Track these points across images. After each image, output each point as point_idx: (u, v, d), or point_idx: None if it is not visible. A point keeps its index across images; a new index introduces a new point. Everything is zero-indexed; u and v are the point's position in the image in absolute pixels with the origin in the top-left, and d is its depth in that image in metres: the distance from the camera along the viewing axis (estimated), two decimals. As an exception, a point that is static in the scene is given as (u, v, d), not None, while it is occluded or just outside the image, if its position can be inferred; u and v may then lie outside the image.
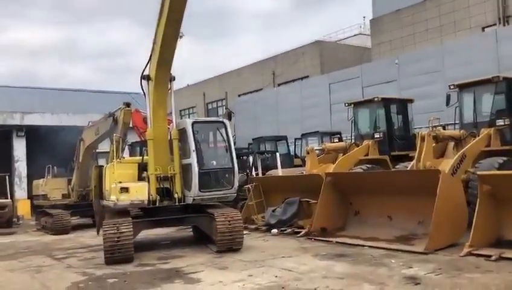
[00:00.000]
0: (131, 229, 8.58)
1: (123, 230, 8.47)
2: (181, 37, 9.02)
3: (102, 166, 10.98)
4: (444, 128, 12.51)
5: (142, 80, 9.66)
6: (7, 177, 20.32)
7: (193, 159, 9.34)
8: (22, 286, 7.22)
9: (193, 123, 9.68)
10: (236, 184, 9.81)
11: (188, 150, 9.48)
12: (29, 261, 9.54)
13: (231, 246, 8.98)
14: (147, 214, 9.82)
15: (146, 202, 9.30)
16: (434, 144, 10.67)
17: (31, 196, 21.19)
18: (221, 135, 9.94)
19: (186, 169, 9.58)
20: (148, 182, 9.46)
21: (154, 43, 9.28)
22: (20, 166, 23.85)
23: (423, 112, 15.87)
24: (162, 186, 9.55)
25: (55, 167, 18.04)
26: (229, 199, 10.06)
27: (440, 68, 20.71)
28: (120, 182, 9.28)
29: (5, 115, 23.77)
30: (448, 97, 11.86)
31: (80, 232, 14.55)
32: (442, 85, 17.98)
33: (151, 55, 9.45)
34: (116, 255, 8.41)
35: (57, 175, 17.72)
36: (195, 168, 9.26)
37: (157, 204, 9.39)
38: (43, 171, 18.29)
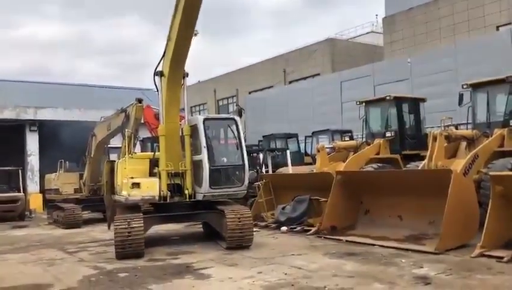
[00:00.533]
0: (142, 224, 8.65)
1: (134, 225, 8.54)
2: (196, 34, 8.97)
3: (114, 161, 11.07)
4: (456, 128, 12.42)
5: (155, 76, 9.69)
6: (20, 171, 20.58)
7: (204, 156, 9.38)
8: (35, 278, 7.31)
9: (204, 120, 9.71)
10: (246, 181, 9.84)
11: (199, 147, 9.53)
12: (42, 255, 9.66)
13: (241, 243, 9.01)
14: (158, 210, 9.89)
15: (157, 197, 9.36)
16: (446, 144, 10.60)
17: (43, 190, 21.43)
18: (232, 132, 9.97)
19: (197, 165, 9.62)
20: (159, 177, 9.52)
21: (168, 39, 9.23)
22: (33, 160, 24.10)
23: (435, 111, 15.75)
24: (173, 182, 9.60)
25: (67, 162, 18.23)
26: (239, 196, 10.10)
27: (453, 67, 20.53)
28: (132, 178, 9.36)
29: (18, 109, 24.02)
30: (461, 96, 11.76)
31: (91, 227, 14.68)
32: (455, 84, 17.78)
33: (165, 51, 9.42)
34: (127, 249, 8.48)
35: (69, 170, 17.92)
36: (206, 165, 9.31)
37: (168, 200, 9.45)
38: (55, 166, 18.49)
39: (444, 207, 7.79)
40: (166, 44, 9.33)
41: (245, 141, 27.12)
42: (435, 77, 20.85)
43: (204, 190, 9.32)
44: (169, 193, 9.45)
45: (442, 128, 11.33)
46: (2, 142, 23.69)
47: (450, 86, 18.93)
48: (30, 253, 9.98)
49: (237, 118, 10.46)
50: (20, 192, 19.63)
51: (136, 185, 9.28)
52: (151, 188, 9.34)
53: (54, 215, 16.41)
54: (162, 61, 9.56)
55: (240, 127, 10.11)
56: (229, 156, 10.24)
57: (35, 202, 22.22)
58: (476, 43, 20.89)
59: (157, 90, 9.91)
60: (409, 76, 22.42)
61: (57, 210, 16.13)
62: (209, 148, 9.48)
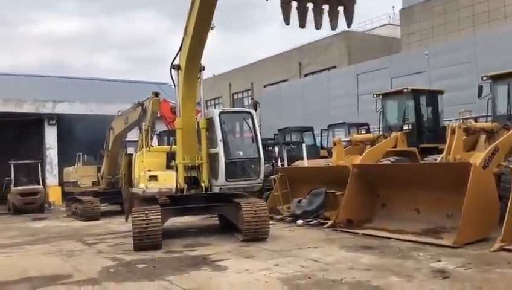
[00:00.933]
0: (160, 216, 8.74)
1: (152, 217, 8.62)
2: (212, 28, 8.94)
3: (132, 154, 11.19)
4: (476, 121, 12.22)
5: (172, 70, 9.74)
6: (39, 164, 20.94)
7: (220, 149, 9.43)
8: (55, 269, 7.45)
9: (220, 113, 9.75)
10: (262, 174, 9.86)
11: (215, 140, 9.57)
12: (61, 246, 9.83)
13: (257, 235, 9.04)
14: (175, 202, 9.97)
15: (174, 190, 9.44)
16: (465, 137, 10.44)
17: (61, 183, 21.77)
18: (248, 125, 9.99)
19: (213, 158, 9.67)
20: (176, 170, 9.59)
21: (184, 33, 9.24)
22: (52, 153, 24.48)
23: (454, 103, 15.52)
24: (189, 175, 9.67)
25: (85, 155, 18.47)
26: (255, 189, 10.13)
27: (472, 59, 20.16)
28: (149, 170, 9.45)
29: (37, 103, 24.40)
30: (480, 89, 11.57)
31: (108, 219, 14.88)
32: (474, 76, 17.50)
33: (181, 45, 9.45)
34: (144, 241, 8.58)
35: (87, 163, 18.16)
36: (221, 158, 9.36)
37: (184, 192, 9.53)
38: (73, 159, 18.76)
39: (462, 201, 7.69)
40: (183, 38, 9.34)
41: (260, 134, 27.03)
42: (454, 69, 20.52)
43: (220, 182, 9.37)
44: (186, 185, 9.52)
45: (461, 121, 11.16)
46: (22, 136, 24.14)
47: (469, 78, 18.62)
48: (50, 244, 10.17)
49: (253, 111, 10.49)
50: (39, 185, 20.02)
51: (154, 177, 9.37)
52: (168, 181, 9.42)
53: (73, 208, 16.67)
54: (178, 55, 9.59)
55: (256, 120, 10.13)
56: (245, 149, 10.28)
57: (54, 194, 22.61)
58: (496, 34, 20.46)
59: (174, 84, 9.97)
60: (427, 68, 22.10)
61: (76, 203, 16.39)
62: (225, 141, 9.53)
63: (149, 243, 8.60)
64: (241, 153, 10.08)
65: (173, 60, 9.69)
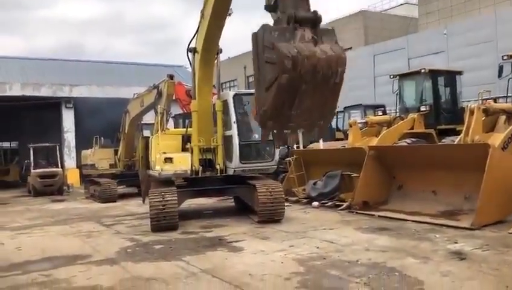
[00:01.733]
0: (176, 197, 8.82)
1: (168, 198, 8.72)
2: (230, 14, 8.64)
3: (149, 137, 11.27)
4: (495, 102, 12.00)
5: (189, 52, 9.66)
6: (57, 147, 21.26)
7: (234, 131, 9.43)
8: (75, 249, 7.60)
9: (235, 95, 9.73)
10: (276, 156, 9.85)
11: (229, 122, 9.57)
12: (80, 227, 10.01)
13: (272, 217, 9.08)
14: (190, 184, 10.05)
15: (189, 172, 9.49)
16: (484, 118, 10.25)
17: (79, 165, 22.08)
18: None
19: (227, 141, 9.68)
20: (192, 153, 9.63)
21: (202, 16, 8.95)
22: (69, 136, 24.82)
23: (473, 84, 15.26)
24: (204, 157, 9.71)
25: (102, 138, 18.65)
26: (270, 171, 10.13)
27: (492, 38, 19.72)
28: (164, 153, 9.51)
29: (55, 87, 24.66)
30: (500, 68, 11.32)
31: (126, 201, 15.08)
32: (494, 56, 17.15)
33: (198, 28, 9.21)
34: (161, 222, 8.69)
35: (104, 145, 18.34)
36: (235, 140, 9.37)
37: (199, 174, 9.58)
38: (90, 142, 18.97)
39: (480, 182, 7.59)
40: (200, 21, 9.11)
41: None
42: (473, 48, 20.12)
43: (235, 164, 9.40)
44: (201, 167, 9.57)
45: (480, 102, 10.95)
46: (40, 120, 24.51)
47: (489, 57, 18.27)
48: (69, 225, 10.37)
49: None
50: (58, 167, 20.34)
51: (169, 159, 9.43)
52: (183, 163, 9.48)
53: (91, 190, 16.93)
54: (195, 37, 9.46)
55: None
56: (259, 131, 10.22)
57: (73, 177, 23.00)
58: (518, 12, 19.95)
59: (191, 66, 9.90)
60: (445, 48, 21.72)
61: (94, 185, 16.63)
62: (239, 123, 9.51)
63: (166, 224, 8.70)
64: (255, 135, 10.04)
65: (189, 43, 9.58)
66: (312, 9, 4.72)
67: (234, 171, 9.50)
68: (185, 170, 9.48)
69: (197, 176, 9.60)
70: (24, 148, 23.82)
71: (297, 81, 4.41)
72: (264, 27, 4.51)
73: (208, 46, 9.20)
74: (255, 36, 4.53)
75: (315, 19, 4.62)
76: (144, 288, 5.17)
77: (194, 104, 9.75)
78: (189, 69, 10.12)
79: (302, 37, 4.52)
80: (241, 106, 9.83)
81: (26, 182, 21.51)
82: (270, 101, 4.52)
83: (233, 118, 9.46)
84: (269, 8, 4.85)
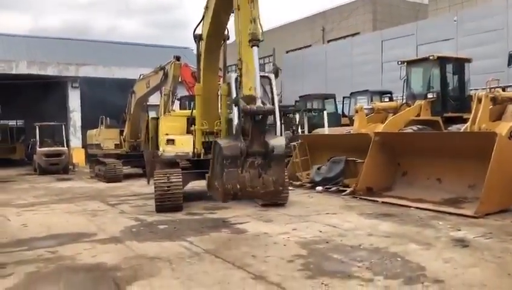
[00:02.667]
0: (181, 179, 8.86)
1: (173, 180, 8.76)
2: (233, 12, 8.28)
3: (159, 118, 11.31)
4: (504, 90, 11.91)
5: (195, 39, 9.56)
6: (63, 126, 21.34)
7: (234, 112, 9.39)
8: (80, 227, 7.69)
9: (237, 78, 9.66)
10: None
11: (231, 104, 9.53)
12: (85, 206, 10.11)
13: (276, 200, 9.11)
14: (195, 166, 10.07)
15: (190, 154, 9.55)
16: (491, 106, 10.22)
17: (85, 145, 22.20)
18: (265, 90, 9.84)
19: (230, 123, 9.66)
20: (195, 135, 9.65)
21: (206, 6, 8.77)
22: (75, 116, 24.92)
23: (482, 72, 15.10)
24: (207, 140, 9.71)
25: (108, 118, 18.69)
26: None
27: (503, 26, 19.44)
28: (166, 134, 9.56)
29: (61, 66, 24.65)
30: (510, 57, 11.26)
31: (131, 181, 15.17)
32: (504, 44, 16.95)
33: (203, 16, 9.05)
34: (166, 203, 8.75)
35: (110, 126, 18.38)
36: (235, 121, 9.33)
37: (201, 157, 9.61)
38: (96, 122, 19.03)
39: (485, 171, 7.58)
40: (204, 11, 8.90)
41: (281, 101, 26.70)
42: (483, 36, 19.86)
43: None
44: (203, 150, 9.59)
45: (488, 90, 10.88)
46: (46, 99, 24.54)
47: (498, 45, 18.06)
48: (75, 204, 10.46)
49: (271, 75, 10.29)
50: (63, 146, 20.45)
51: (171, 141, 9.52)
52: (186, 145, 9.54)
53: (96, 170, 17.02)
54: (201, 24, 9.31)
55: (274, 85, 9.94)
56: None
57: (78, 156, 23.15)
58: (530, 0, 19.63)
59: (197, 52, 9.82)
60: (455, 35, 21.46)
61: (99, 164, 16.71)
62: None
63: (170, 205, 8.76)
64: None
65: (195, 29, 9.44)
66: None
67: None
68: (186, 152, 9.54)
69: (199, 158, 9.64)
70: (30, 126, 23.93)
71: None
72: (223, 148, 5.53)
73: (213, 33, 9.07)
74: (214, 144, 5.86)
75: (265, 152, 5.45)
76: (148, 266, 5.24)
77: (198, 88, 9.71)
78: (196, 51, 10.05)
79: (251, 164, 5.47)
80: None
81: (31, 160, 21.66)
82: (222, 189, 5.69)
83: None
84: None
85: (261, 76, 11.11)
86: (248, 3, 6.57)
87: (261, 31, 6.50)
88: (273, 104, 9.65)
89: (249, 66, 6.16)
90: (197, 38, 9.45)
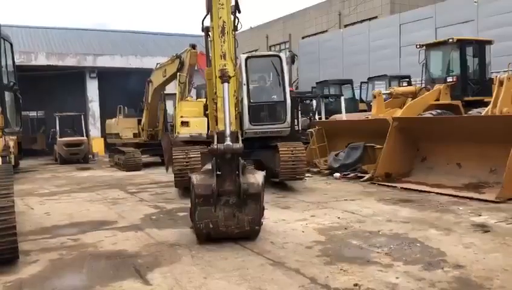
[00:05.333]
0: (199, 155, 8.93)
1: (191, 155, 8.88)
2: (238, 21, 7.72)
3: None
4: (526, 72, 11.60)
5: (203, 31, 9.48)
6: (82, 116, 21.62)
7: (244, 93, 9.40)
8: (101, 215, 7.82)
9: (247, 58, 9.65)
10: (289, 118, 9.74)
11: (241, 85, 9.55)
12: (106, 194, 10.26)
13: (294, 175, 9.14)
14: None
15: (204, 135, 9.61)
16: (513, 89, 9.97)
17: (104, 135, 22.47)
18: (276, 69, 9.82)
19: (240, 104, 9.69)
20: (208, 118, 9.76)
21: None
22: (94, 106, 25.21)
23: (504, 54, 14.74)
24: None
25: (125, 107, 18.86)
26: (283, 134, 9.97)
27: (526, 6, 18.89)
28: (181, 117, 9.68)
29: (79, 57, 24.91)
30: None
31: (149, 170, 15.33)
32: (527, 25, 16.44)
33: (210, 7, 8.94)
34: (185, 178, 8.80)
35: (128, 115, 18.56)
36: (245, 102, 9.34)
37: None
38: (114, 111, 19.23)
39: (507, 155, 7.45)
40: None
41: (297, 88, 26.61)
42: (505, 17, 19.31)
43: (246, 126, 9.38)
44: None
45: (510, 73, 10.62)
46: (65, 89, 24.89)
47: (521, 26, 17.56)
48: (95, 192, 10.63)
49: (282, 54, 10.27)
50: (83, 136, 20.74)
51: (185, 123, 9.64)
52: (200, 127, 9.67)
53: (115, 159, 17.24)
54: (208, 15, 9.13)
55: (284, 64, 9.86)
56: (271, 93, 10.19)
57: (98, 145, 23.45)
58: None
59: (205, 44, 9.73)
60: (475, 17, 20.92)
61: (118, 153, 16.91)
62: (249, 85, 9.50)
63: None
64: (266, 96, 10.04)
65: (203, 20, 9.31)
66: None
67: (245, 133, 9.40)
68: (200, 133, 9.62)
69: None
70: (50, 117, 24.28)
71: None
72: (195, 186, 5.43)
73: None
74: (190, 179, 5.60)
75: (238, 192, 5.39)
76: (168, 253, 5.31)
77: (209, 72, 9.70)
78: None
79: (226, 202, 5.45)
80: (253, 68, 9.75)
81: (52, 150, 22.04)
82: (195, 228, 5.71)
83: (243, 80, 9.38)
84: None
85: (269, 55, 11.11)
86: (219, 37, 6.56)
87: (232, 66, 6.65)
88: (283, 84, 9.62)
89: (222, 101, 6.09)
90: (205, 30, 9.39)
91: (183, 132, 9.65)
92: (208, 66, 9.78)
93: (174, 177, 8.95)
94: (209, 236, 5.55)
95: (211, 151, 5.63)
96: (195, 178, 5.55)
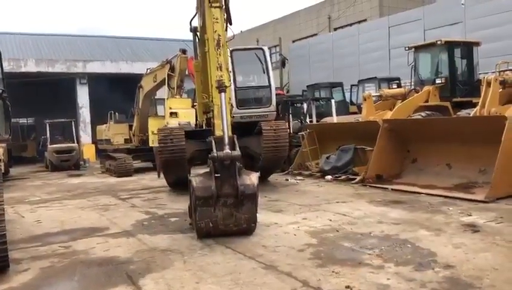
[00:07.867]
0: (183, 134, 8.99)
1: (176, 133, 8.95)
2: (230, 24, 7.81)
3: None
4: (513, 73, 11.74)
5: (191, 31, 9.50)
6: (73, 122, 21.52)
7: (230, 79, 9.65)
8: (92, 221, 7.78)
9: (232, 51, 10.00)
10: (274, 101, 10.34)
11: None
12: (97, 201, 10.21)
13: (276, 153, 9.28)
14: (198, 136, 10.10)
15: (192, 124, 9.77)
16: (501, 90, 10.11)
17: (95, 141, 22.39)
18: (260, 60, 10.28)
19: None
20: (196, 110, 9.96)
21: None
22: (84, 112, 25.11)
23: (491, 55, 14.92)
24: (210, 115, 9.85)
25: (116, 113, 18.80)
26: (269, 118, 10.27)
27: (512, 7, 19.13)
28: (170, 108, 9.86)
29: (69, 63, 24.81)
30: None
31: (141, 175, 15.28)
32: (513, 26, 16.64)
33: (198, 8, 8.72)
34: (169, 156, 8.88)
35: (119, 121, 18.50)
36: (232, 86, 9.43)
37: (204, 128, 9.70)
38: (105, 117, 19.16)
39: (495, 156, 7.54)
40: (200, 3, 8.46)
41: (288, 91, 26.85)
42: (492, 18, 19.55)
43: (233, 111, 9.50)
44: (205, 121, 9.69)
45: (497, 74, 10.76)
46: (55, 96, 24.75)
47: (508, 28, 17.80)
48: (86, 199, 10.58)
49: (265, 47, 10.78)
50: (74, 142, 20.64)
51: (174, 114, 9.81)
52: (188, 117, 9.86)
53: (107, 165, 17.17)
54: (196, 16, 8.96)
55: (268, 55, 10.50)
56: (256, 79, 10.80)
57: (89, 152, 23.34)
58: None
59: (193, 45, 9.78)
60: (463, 19, 21.16)
61: (109, 159, 16.85)
62: (234, 72, 9.84)
63: (174, 157, 8.86)
64: (251, 82, 10.52)
65: (191, 21, 9.27)
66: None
67: (233, 117, 9.35)
68: (188, 122, 9.79)
69: (201, 128, 9.82)
70: (40, 124, 24.16)
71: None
72: (195, 188, 5.74)
73: None
74: (190, 182, 5.89)
75: (236, 194, 5.70)
76: (160, 259, 5.30)
77: (196, 64, 9.80)
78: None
79: (224, 203, 5.78)
80: (239, 59, 10.17)
81: (43, 157, 21.90)
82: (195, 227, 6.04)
83: (229, 68, 9.53)
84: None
85: (254, 48, 11.60)
86: (215, 50, 6.80)
87: (228, 76, 6.92)
88: (267, 72, 10.15)
89: (220, 109, 6.43)
90: (193, 31, 9.39)
91: (172, 122, 9.83)
92: (195, 58, 9.97)
93: (160, 155, 8.99)
94: (209, 234, 5.91)
95: (211, 158, 5.91)
96: (195, 181, 5.85)
